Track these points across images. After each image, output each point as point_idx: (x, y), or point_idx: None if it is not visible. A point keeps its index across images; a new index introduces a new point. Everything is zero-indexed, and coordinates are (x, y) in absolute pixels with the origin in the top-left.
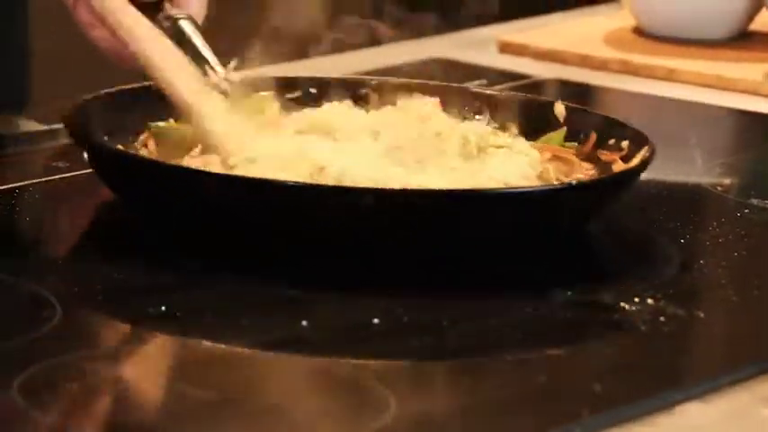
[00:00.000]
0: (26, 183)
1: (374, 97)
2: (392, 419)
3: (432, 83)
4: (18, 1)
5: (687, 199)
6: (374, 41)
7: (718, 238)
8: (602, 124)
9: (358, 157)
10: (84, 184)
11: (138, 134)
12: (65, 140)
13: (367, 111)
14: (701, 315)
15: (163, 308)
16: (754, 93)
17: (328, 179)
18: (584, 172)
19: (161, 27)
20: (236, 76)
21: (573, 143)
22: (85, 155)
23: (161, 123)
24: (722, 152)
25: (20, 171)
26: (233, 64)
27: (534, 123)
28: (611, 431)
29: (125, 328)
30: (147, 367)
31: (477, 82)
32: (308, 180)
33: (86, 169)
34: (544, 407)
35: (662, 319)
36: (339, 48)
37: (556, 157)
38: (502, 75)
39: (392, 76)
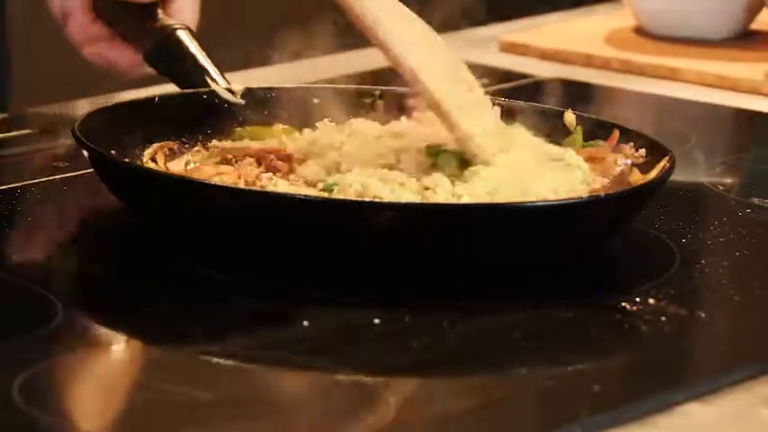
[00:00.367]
0: (26, 183)
1: (380, 105)
2: (392, 419)
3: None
4: None
5: (688, 198)
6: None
7: (719, 237)
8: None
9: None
10: (84, 184)
11: (143, 147)
12: (65, 140)
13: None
14: (702, 315)
15: (163, 308)
16: (756, 92)
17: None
18: (616, 170)
19: (156, 37)
20: (239, 87)
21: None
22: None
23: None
24: (723, 151)
25: (20, 171)
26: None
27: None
28: (611, 431)
29: (125, 328)
30: (147, 367)
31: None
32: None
33: (86, 169)
34: (544, 407)
35: (663, 318)
36: (340, 48)
37: (590, 158)
38: (503, 74)
39: (392, 75)
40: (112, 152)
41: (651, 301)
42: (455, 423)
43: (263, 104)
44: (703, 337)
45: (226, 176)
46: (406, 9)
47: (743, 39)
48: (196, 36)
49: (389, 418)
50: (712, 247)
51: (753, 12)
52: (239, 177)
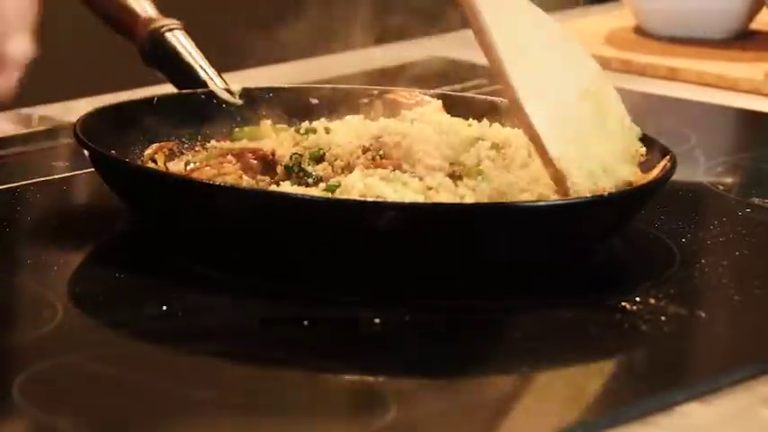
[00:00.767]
0: (26, 183)
1: (378, 105)
2: (392, 419)
3: (432, 91)
4: None
5: (688, 198)
6: (375, 41)
7: (719, 237)
8: None
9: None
10: (85, 184)
11: (143, 147)
12: (65, 140)
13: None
14: (703, 314)
15: (163, 308)
16: (755, 92)
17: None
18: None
19: (153, 37)
20: (237, 87)
21: None
22: (92, 163)
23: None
24: (723, 151)
25: (20, 171)
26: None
27: None
28: (611, 431)
29: (125, 328)
30: (146, 367)
31: (477, 81)
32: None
33: (86, 169)
34: (544, 407)
35: (663, 318)
36: (340, 48)
37: None
38: None
39: (392, 75)
40: (112, 152)
41: (651, 300)
42: (455, 423)
43: (261, 104)
44: (703, 337)
45: (227, 177)
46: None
47: (743, 39)
48: (193, 36)
49: (389, 418)
50: (712, 247)
51: (753, 12)
52: (240, 177)
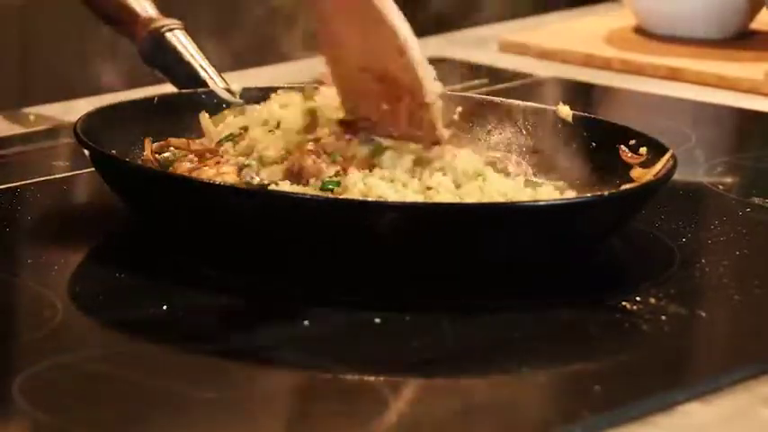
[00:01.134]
0: (26, 183)
1: None
2: (392, 419)
3: None
4: None
5: (688, 198)
6: None
7: (719, 236)
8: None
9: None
10: (84, 184)
11: (142, 148)
12: (65, 140)
13: None
14: (703, 314)
15: (163, 308)
16: (755, 92)
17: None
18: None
19: (153, 37)
20: (237, 87)
21: None
22: (92, 163)
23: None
24: (723, 151)
25: (20, 171)
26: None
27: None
28: (611, 431)
29: (125, 328)
30: (146, 367)
31: (477, 81)
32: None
33: (86, 169)
34: (544, 407)
35: (663, 318)
36: None
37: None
38: (503, 74)
39: None
40: (112, 152)
41: (651, 300)
42: (455, 423)
43: (261, 104)
44: (703, 336)
45: (226, 176)
46: None
47: (743, 39)
48: (193, 36)
49: (389, 418)
50: (712, 247)
51: (753, 12)
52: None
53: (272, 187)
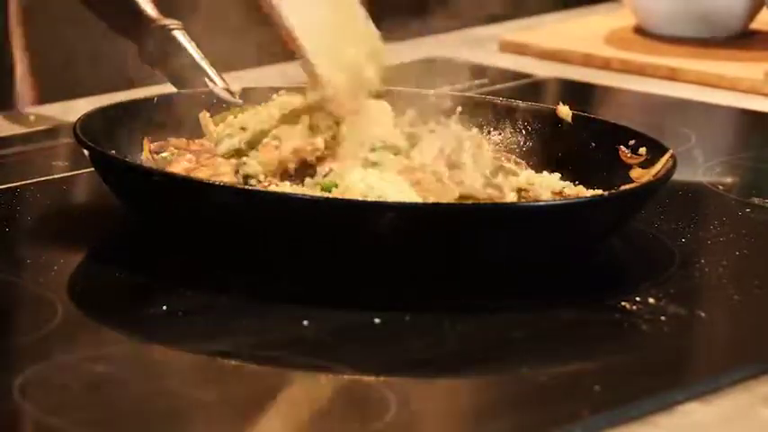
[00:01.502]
0: (26, 183)
1: None
2: (392, 419)
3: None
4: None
5: (688, 198)
6: None
7: (719, 237)
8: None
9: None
10: (84, 184)
11: (142, 148)
12: (65, 140)
13: None
14: (702, 314)
15: (163, 308)
16: (755, 92)
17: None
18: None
19: (153, 37)
20: (237, 87)
21: None
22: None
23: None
24: (723, 151)
25: (20, 171)
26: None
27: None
28: (611, 431)
29: (125, 328)
30: (146, 367)
31: (477, 81)
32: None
33: (86, 169)
34: (544, 407)
35: (663, 318)
36: None
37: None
38: (503, 74)
39: (392, 75)
40: (112, 152)
41: (651, 300)
42: (455, 423)
43: (261, 104)
44: (703, 336)
45: (224, 177)
46: None
47: (743, 39)
48: (193, 36)
49: (389, 418)
50: (712, 247)
51: (752, 12)
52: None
53: (272, 187)
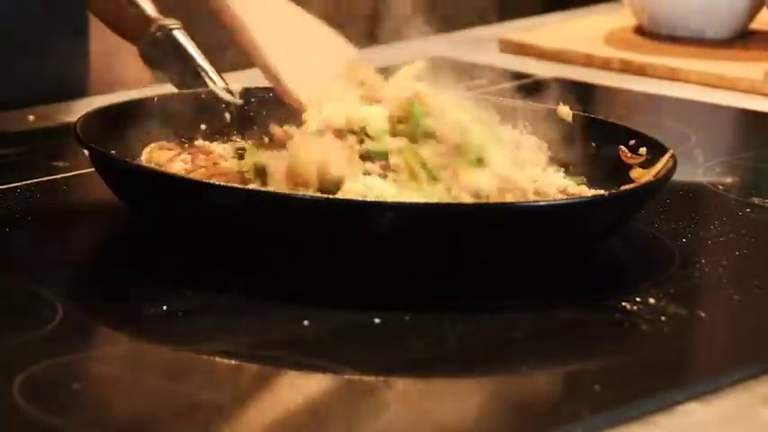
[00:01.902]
0: (26, 183)
1: None
2: (392, 419)
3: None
4: None
5: (688, 198)
6: (374, 41)
7: (719, 237)
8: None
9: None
10: (84, 184)
11: (143, 147)
12: (65, 140)
13: None
14: (702, 314)
15: (163, 308)
16: (756, 92)
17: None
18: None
19: (153, 37)
20: (237, 87)
21: None
22: (92, 163)
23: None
24: (723, 151)
25: (20, 171)
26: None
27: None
28: (611, 431)
29: (125, 328)
30: (147, 367)
31: (477, 81)
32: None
33: (86, 169)
34: (544, 407)
35: (663, 318)
36: None
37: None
38: (503, 74)
39: (392, 75)
40: (112, 152)
41: (651, 300)
42: (455, 423)
43: (261, 104)
44: (703, 336)
45: (224, 177)
46: None
47: (743, 39)
48: (193, 36)
49: (389, 418)
50: (712, 247)
51: (752, 12)
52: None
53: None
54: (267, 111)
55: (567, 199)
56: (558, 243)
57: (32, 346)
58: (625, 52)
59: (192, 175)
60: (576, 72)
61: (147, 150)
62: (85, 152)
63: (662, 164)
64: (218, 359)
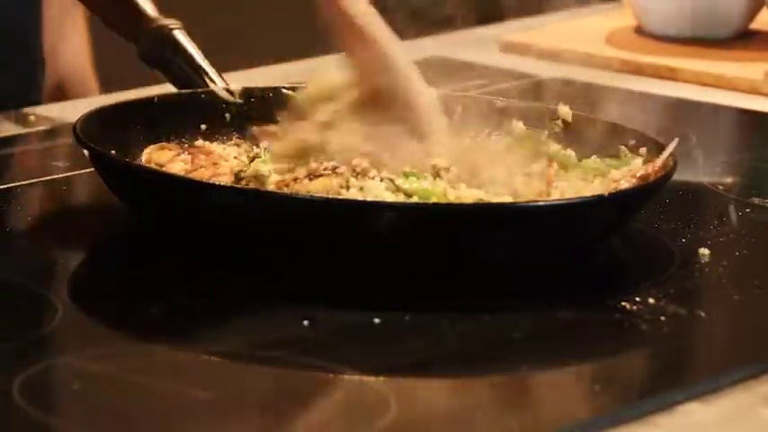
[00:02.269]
0: (26, 183)
1: None
2: (392, 419)
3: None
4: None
5: (688, 198)
6: None
7: (719, 237)
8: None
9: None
10: (84, 184)
11: (143, 147)
12: (65, 140)
13: None
14: (702, 314)
15: (163, 308)
16: (756, 92)
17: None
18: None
19: (153, 37)
20: (237, 87)
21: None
22: (92, 163)
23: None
24: (723, 151)
25: (20, 171)
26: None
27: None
28: (611, 431)
29: (125, 328)
30: (146, 367)
31: (478, 81)
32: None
33: (86, 169)
34: (544, 407)
35: (663, 318)
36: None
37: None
38: (503, 74)
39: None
40: (112, 152)
41: (651, 300)
42: (455, 423)
43: (261, 104)
44: (703, 336)
45: (223, 177)
46: None
47: (743, 39)
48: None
49: (389, 418)
50: (712, 247)
51: (752, 12)
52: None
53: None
54: (267, 111)
55: (566, 199)
56: (558, 243)
57: (32, 346)
58: (625, 52)
59: (192, 176)
60: (576, 72)
61: (147, 151)
62: (85, 152)
63: (662, 164)
64: (217, 359)
